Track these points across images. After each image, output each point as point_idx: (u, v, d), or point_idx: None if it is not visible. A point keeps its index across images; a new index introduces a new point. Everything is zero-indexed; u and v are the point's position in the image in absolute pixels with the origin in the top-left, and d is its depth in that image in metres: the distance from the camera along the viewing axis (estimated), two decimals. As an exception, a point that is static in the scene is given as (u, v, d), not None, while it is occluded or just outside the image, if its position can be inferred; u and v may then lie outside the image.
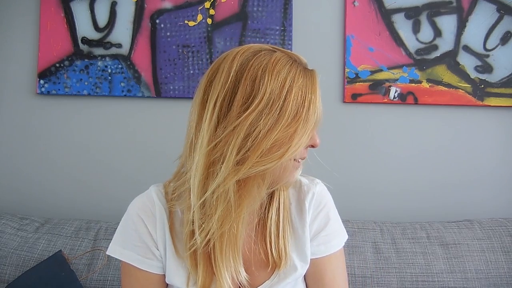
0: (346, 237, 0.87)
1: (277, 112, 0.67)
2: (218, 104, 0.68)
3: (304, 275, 0.86)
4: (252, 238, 0.80)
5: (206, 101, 0.70)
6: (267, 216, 0.80)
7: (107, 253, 0.80)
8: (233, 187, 0.69)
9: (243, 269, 0.75)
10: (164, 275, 0.79)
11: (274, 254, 0.78)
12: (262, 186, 0.71)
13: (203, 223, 0.72)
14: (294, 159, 0.74)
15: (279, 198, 0.81)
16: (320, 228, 0.83)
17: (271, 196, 0.81)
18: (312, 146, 0.76)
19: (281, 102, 0.68)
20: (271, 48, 0.73)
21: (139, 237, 0.78)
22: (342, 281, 0.85)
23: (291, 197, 0.85)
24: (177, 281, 0.77)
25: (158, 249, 0.78)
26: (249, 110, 0.67)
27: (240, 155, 0.67)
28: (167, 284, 0.81)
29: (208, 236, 0.71)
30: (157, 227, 0.78)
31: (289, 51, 0.75)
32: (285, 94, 0.68)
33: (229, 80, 0.69)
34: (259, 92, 0.67)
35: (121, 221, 0.81)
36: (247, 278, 0.75)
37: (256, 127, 0.67)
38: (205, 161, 0.69)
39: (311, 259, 0.82)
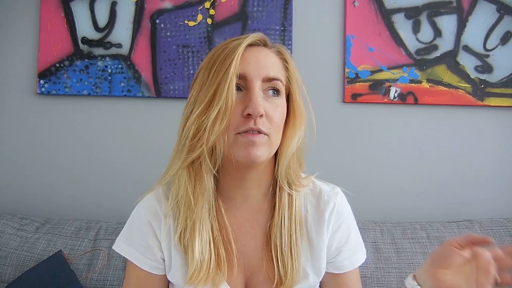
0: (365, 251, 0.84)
1: (192, 100, 0.73)
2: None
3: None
4: (257, 252, 0.77)
5: None
6: (272, 229, 0.76)
7: (113, 247, 0.81)
8: (186, 174, 0.73)
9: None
10: (164, 276, 0.79)
11: (280, 271, 0.74)
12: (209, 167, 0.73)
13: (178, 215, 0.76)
14: (238, 133, 0.68)
15: (289, 208, 0.76)
16: (342, 242, 0.80)
17: (274, 205, 0.77)
18: (249, 115, 0.68)
19: (194, 92, 0.73)
20: (235, 39, 0.75)
21: (143, 237, 0.78)
22: None
23: (308, 204, 0.80)
24: (178, 278, 0.77)
25: (161, 251, 0.78)
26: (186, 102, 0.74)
27: (181, 144, 0.72)
28: (169, 283, 0.81)
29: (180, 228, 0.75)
30: (162, 227, 0.78)
31: (245, 36, 0.75)
32: (193, 80, 0.75)
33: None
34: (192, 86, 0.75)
35: (129, 218, 0.82)
36: None
37: (187, 116, 0.72)
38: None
39: (334, 274, 0.80)
